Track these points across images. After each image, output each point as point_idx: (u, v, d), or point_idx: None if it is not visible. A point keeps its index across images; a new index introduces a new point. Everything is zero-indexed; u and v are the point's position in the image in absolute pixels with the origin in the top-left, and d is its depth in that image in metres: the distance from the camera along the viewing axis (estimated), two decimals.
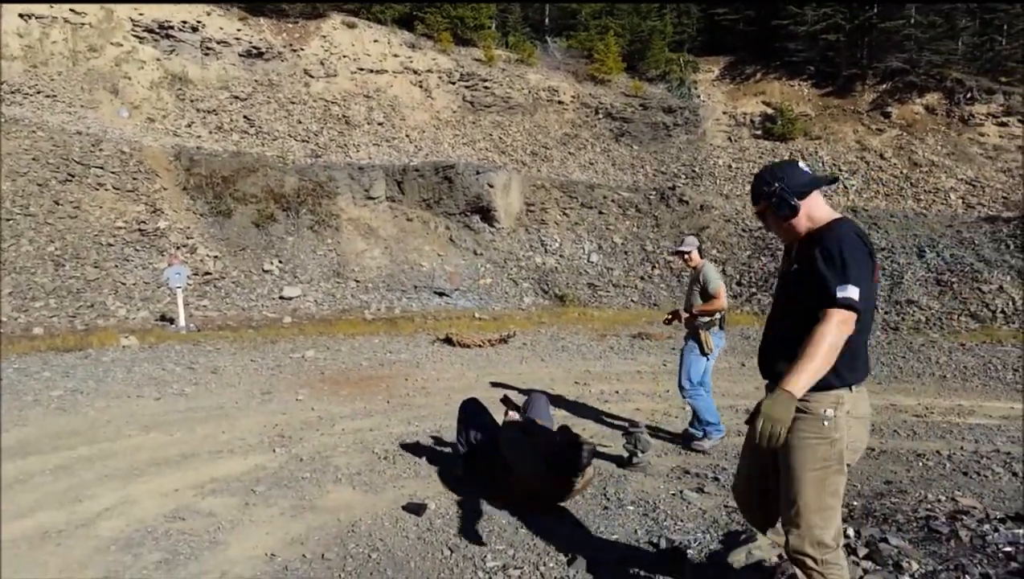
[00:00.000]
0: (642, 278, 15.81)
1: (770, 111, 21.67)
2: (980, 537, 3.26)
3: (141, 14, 18.37)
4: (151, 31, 18.42)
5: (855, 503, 3.97)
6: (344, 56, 20.75)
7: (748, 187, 17.21)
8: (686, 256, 5.34)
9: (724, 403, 6.45)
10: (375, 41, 21.46)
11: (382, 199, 16.82)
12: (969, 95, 20.08)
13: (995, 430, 5.64)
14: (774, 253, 14.86)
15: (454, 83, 21.55)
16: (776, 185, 2.29)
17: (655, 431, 5.50)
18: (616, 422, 5.90)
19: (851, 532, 3.38)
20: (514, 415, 4.24)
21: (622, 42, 23.78)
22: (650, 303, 14.99)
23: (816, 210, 2.28)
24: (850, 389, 2.20)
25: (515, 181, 17.34)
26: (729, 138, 21.41)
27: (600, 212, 17.36)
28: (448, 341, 10.39)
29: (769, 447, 2.07)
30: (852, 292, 2.04)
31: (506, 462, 3.95)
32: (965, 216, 15.61)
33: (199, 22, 19.09)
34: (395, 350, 9.82)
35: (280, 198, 15.66)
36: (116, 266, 12.88)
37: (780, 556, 3.19)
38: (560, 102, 21.97)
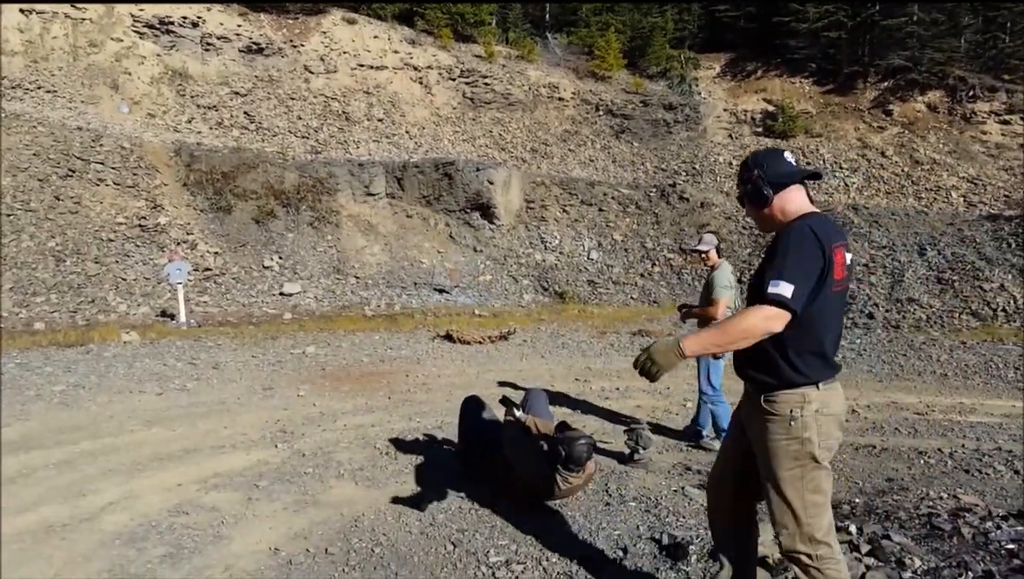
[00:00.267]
0: (642, 275, 15.81)
1: (771, 108, 21.64)
2: (982, 534, 3.27)
3: (141, 9, 18.34)
4: (151, 26, 18.39)
5: (857, 500, 3.98)
6: (344, 52, 20.71)
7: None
8: (703, 255, 5.16)
9: (727, 401, 6.46)
10: (375, 37, 21.42)
11: (382, 196, 16.81)
12: (971, 93, 20.05)
13: (996, 428, 5.65)
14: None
15: (454, 79, 21.52)
16: (756, 172, 2.27)
17: (656, 428, 5.50)
18: (617, 419, 5.91)
19: (853, 529, 3.38)
20: (516, 413, 4.24)
21: (623, 38, 23.74)
22: (650, 300, 14.99)
23: (790, 204, 2.25)
24: (817, 387, 2.18)
25: (515, 178, 17.32)
26: (730, 135, 21.38)
27: (600, 209, 17.35)
28: (448, 338, 10.40)
29: (651, 379, 2.15)
30: (784, 289, 2.02)
31: (507, 459, 3.96)
32: (966, 214, 15.60)
33: (199, 18, 19.05)
34: (395, 346, 9.83)
35: (280, 194, 15.65)
36: (117, 262, 12.88)
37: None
38: (560, 99, 21.94)
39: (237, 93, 18.75)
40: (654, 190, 17.74)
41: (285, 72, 19.73)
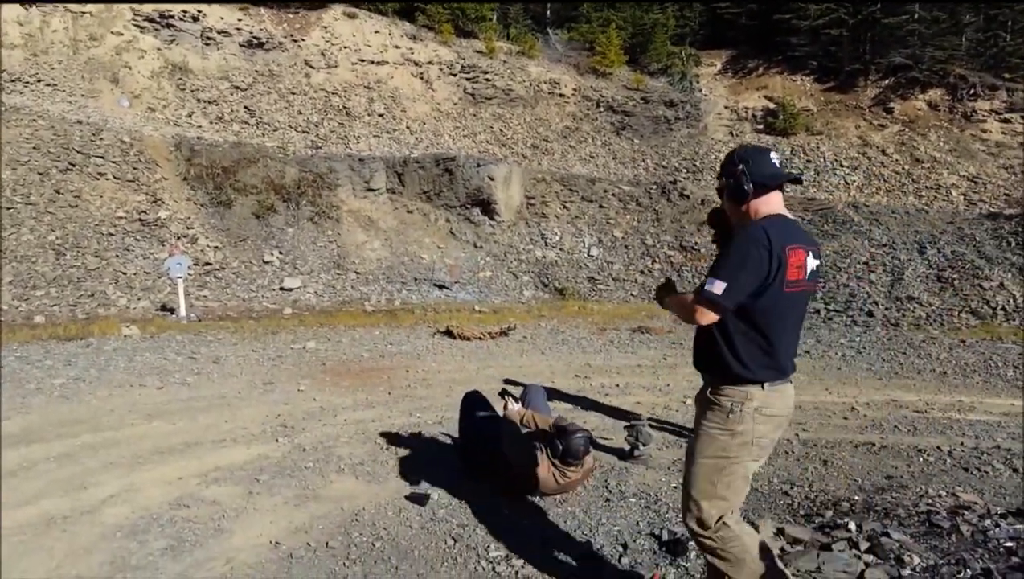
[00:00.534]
0: (642, 272, 15.81)
1: (772, 106, 21.64)
2: (981, 532, 3.28)
3: (142, 3, 18.28)
4: (152, 20, 18.35)
5: (856, 498, 4.00)
6: (345, 47, 20.68)
7: None
8: None
9: None
10: (376, 32, 21.39)
11: (382, 191, 16.80)
12: (972, 91, 20.06)
13: (995, 426, 5.66)
14: None
15: (455, 75, 21.49)
16: (740, 167, 2.28)
17: (656, 424, 5.51)
18: (617, 415, 5.92)
19: (852, 526, 3.40)
20: (514, 406, 4.25)
21: (624, 35, 23.72)
22: (650, 297, 15.00)
23: (764, 206, 2.27)
24: (761, 387, 2.23)
25: (516, 174, 17.31)
26: (731, 132, 21.38)
27: (600, 206, 17.35)
28: (448, 333, 10.40)
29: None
30: (716, 287, 2.12)
31: (506, 454, 3.97)
32: (966, 213, 15.62)
33: (200, 12, 19.01)
34: (395, 342, 9.83)
35: (280, 189, 15.64)
36: (117, 256, 12.87)
37: (782, 549, 3.22)
38: (561, 95, 21.92)
39: (237, 87, 18.72)
40: (655, 187, 17.73)
41: (285, 67, 19.71)
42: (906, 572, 2.92)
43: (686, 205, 17.01)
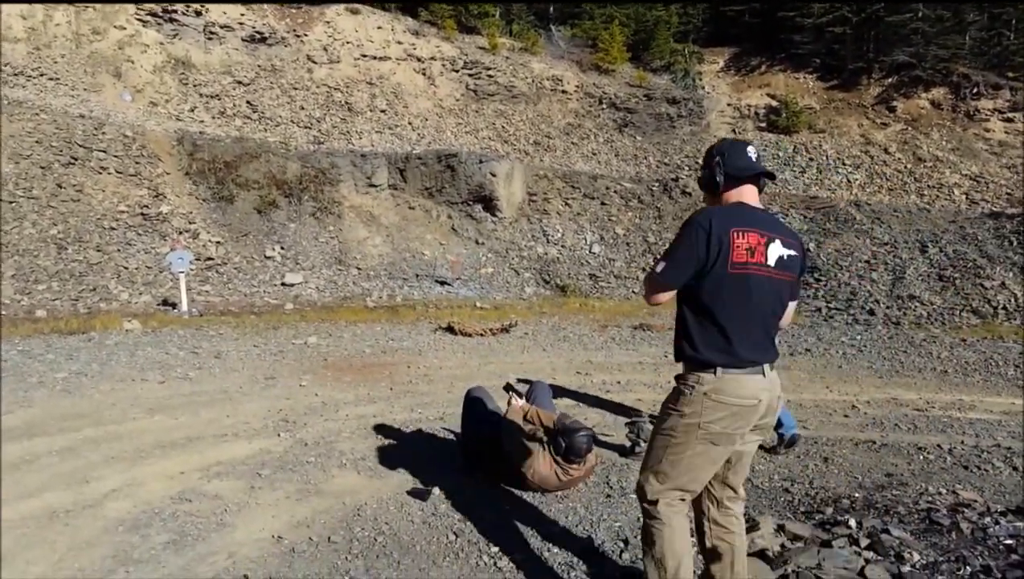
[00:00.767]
0: (644, 270, 15.80)
1: (775, 103, 21.59)
2: (981, 530, 3.29)
3: (145, 1, 18.24)
4: (154, 14, 18.31)
5: (856, 495, 4.01)
6: (347, 42, 20.64)
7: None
8: None
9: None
10: (379, 28, 21.34)
11: (384, 187, 16.78)
12: (975, 90, 20.00)
13: (996, 425, 5.67)
14: None
15: (457, 71, 21.44)
16: (716, 159, 2.36)
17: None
18: (618, 412, 5.93)
19: (853, 523, 3.41)
20: (518, 401, 4.26)
21: (627, 32, 23.65)
22: None
23: (734, 198, 2.36)
24: (713, 372, 2.26)
25: (518, 170, 17.29)
26: (733, 130, 21.33)
27: (603, 203, 17.33)
28: (450, 330, 10.41)
29: None
30: (659, 266, 2.32)
31: (509, 452, 3.98)
32: (969, 212, 15.59)
33: (202, 6, 18.97)
34: (397, 338, 9.84)
35: (282, 184, 15.63)
36: (118, 250, 12.88)
37: (783, 545, 3.23)
38: (564, 91, 21.88)
39: (240, 82, 18.70)
40: (657, 184, 17.71)
41: (288, 62, 19.68)
42: (906, 569, 2.93)
43: (688, 203, 16.99)
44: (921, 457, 4.82)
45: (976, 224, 14.08)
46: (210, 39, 19.00)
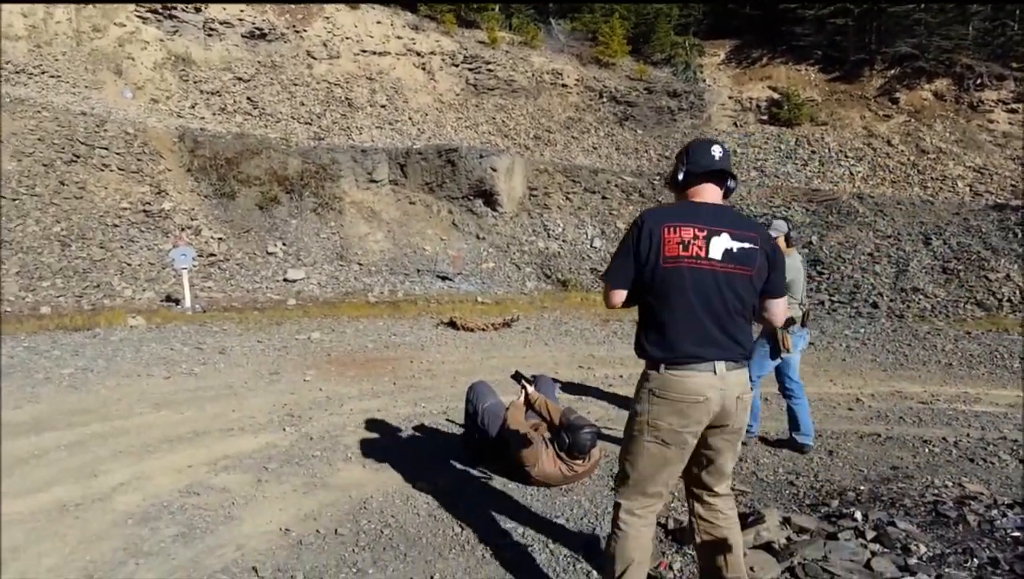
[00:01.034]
0: None
1: (776, 96, 21.49)
2: (988, 522, 3.30)
3: (145, 1, 18.20)
4: (154, 11, 18.27)
5: (862, 487, 4.01)
6: (347, 38, 20.58)
7: (753, 173, 17.06)
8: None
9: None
10: (378, 22, 21.28)
11: (385, 182, 16.77)
12: (979, 81, 19.90)
13: (1001, 418, 5.67)
14: None
15: (457, 65, 21.38)
16: (683, 157, 2.40)
17: None
18: (621, 405, 5.93)
19: (859, 515, 3.41)
20: (529, 387, 4.29)
21: (627, 25, 23.54)
22: None
23: (694, 196, 2.39)
24: (657, 368, 2.28)
25: (518, 165, 17.27)
26: (735, 123, 21.26)
27: (603, 197, 17.31)
28: (452, 325, 10.42)
29: None
30: (607, 268, 2.42)
31: (513, 447, 3.99)
32: (972, 204, 15.53)
33: (202, 2, 18.91)
34: (399, 333, 9.85)
35: (283, 181, 15.62)
36: (121, 247, 12.89)
37: (788, 538, 3.24)
38: (564, 85, 21.81)
39: (240, 79, 18.67)
40: (658, 178, 17.67)
41: (288, 58, 19.63)
42: (913, 561, 2.93)
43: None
44: (926, 450, 4.82)
45: (980, 216, 14.03)
46: (210, 35, 18.96)
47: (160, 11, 18.29)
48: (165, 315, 10.78)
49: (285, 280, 13.82)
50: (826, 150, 19.54)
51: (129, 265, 12.69)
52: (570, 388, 6.54)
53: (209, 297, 12.53)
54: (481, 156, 16.73)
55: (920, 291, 11.94)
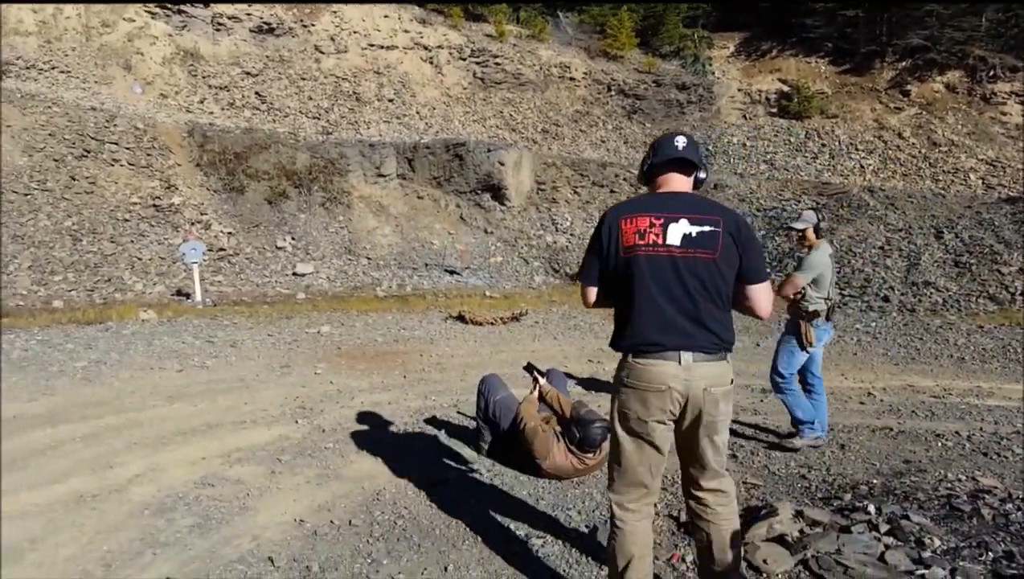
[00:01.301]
0: None
1: (786, 88, 21.35)
2: (1003, 516, 3.28)
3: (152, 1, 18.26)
4: (163, 6, 18.31)
5: (875, 481, 4.00)
6: (354, 32, 20.57)
7: (763, 166, 16.94)
8: (800, 234, 4.62)
9: (739, 382, 6.48)
10: (385, 16, 21.25)
11: (393, 176, 16.79)
12: (992, 73, 19.70)
13: (1014, 412, 5.63)
14: (789, 233, 14.74)
15: (464, 59, 21.34)
16: (650, 151, 2.43)
17: None
18: None
19: (872, 509, 3.40)
20: (541, 379, 4.30)
21: (635, 17, 23.42)
22: None
23: (660, 187, 2.41)
24: (626, 357, 2.31)
25: (526, 159, 17.24)
26: (744, 116, 21.15)
27: (612, 191, 17.25)
28: (460, 318, 10.44)
29: None
30: (579, 268, 2.37)
31: (524, 440, 4.00)
32: (985, 197, 15.40)
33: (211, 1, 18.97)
34: (408, 327, 9.88)
35: (292, 175, 15.66)
36: (132, 241, 12.97)
37: (801, 531, 3.23)
38: (572, 79, 21.74)
39: (248, 73, 18.70)
40: None
41: (296, 52, 19.65)
42: (927, 554, 2.92)
43: (699, 190, 16.86)
44: (939, 444, 4.80)
45: (993, 209, 13.90)
46: (218, 30, 18.99)
47: (169, 6, 18.33)
48: (176, 309, 10.85)
49: (294, 274, 13.88)
50: (836, 143, 19.41)
51: (140, 259, 12.77)
52: (580, 382, 6.55)
53: (219, 291, 12.59)
54: (489, 150, 16.71)
55: (932, 285, 11.86)
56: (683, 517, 3.43)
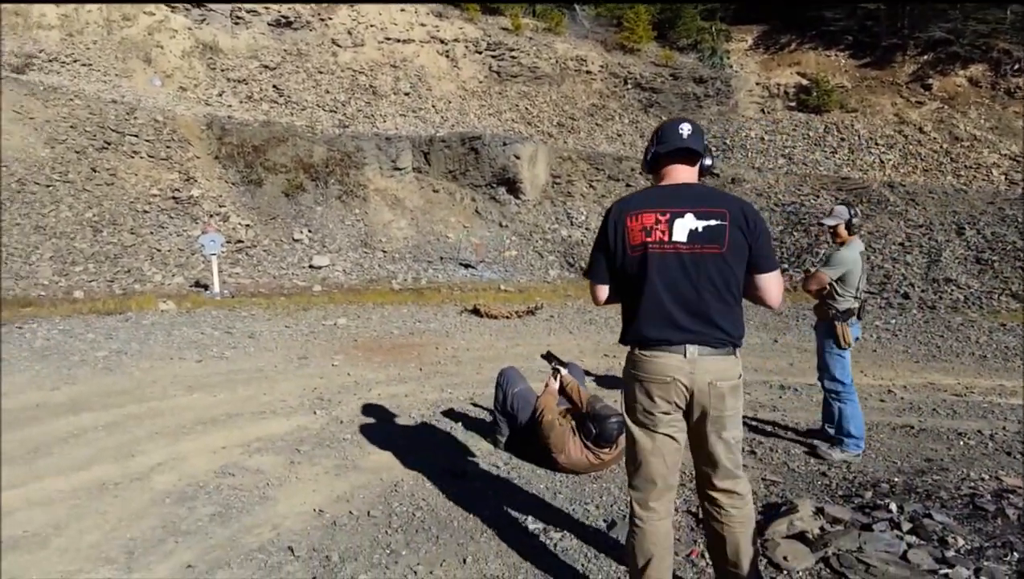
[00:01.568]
0: None
1: (805, 82, 21.07)
2: None
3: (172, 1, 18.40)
4: (183, 0, 18.45)
5: (896, 479, 3.95)
6: (371, 25, 20.59)
7: (781, 160, 16.75)
8: (832, 229, 4.47)
9: (757, 378, 6.44)
10: (402, 10, 21.25)
11: (408, 170, 16.82)
12: (1016, 67, 19.30)
13: None
14: (807, 228, 14.60)
15: (481, 52, 21.29)
16: (654, 139, 2.36)
17: None
18: None
19: (894, 507, 3.36)
20: (562, 370, 4.30)
21: (652, 10, 23.22)
22: None
23: (664, 178, 2.34)
24: (633, 350, 2.31)
25: (541, 152, 17.19)
26: (762, 110, 20.91)
27: (628, 185, 17.16)
28: (475, 312, 10.45)
29: None
30: (587, 265, 2.42)
31: (541, 435, 4.00)
32: (1008, 193, 15.12)
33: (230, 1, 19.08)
34: (424, 320, 9.91)
35: (309, 168, 15.75)
36: (152, 233, 13.13)
37: (822, 528, 3.21)
38: (588, 72, 21.61)
39: (266, 67, 18.80)
40: None
41: (313, 46, 19.71)
42: (950, 554, 2.88)
43: (715, 184, 16.75)
44: (961, 442, 4.73)
45: (1016, 205, 13.66)
46: (236, 24, 19.10)
47: (188, 2, 18.47)
48: (195, 300, 10.96)
49: (311, 266, 13.97)
50: (856, 137, 19.15)
51: (159, 251, 12.92)
52: (596, 377, 6.53)
53: (237, 283, 12.71)
54: (504, 144, 16.69)
55: (953, 282, 11.69)
56: (701, 514, 3.41)
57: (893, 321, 10.09)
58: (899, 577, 2.73)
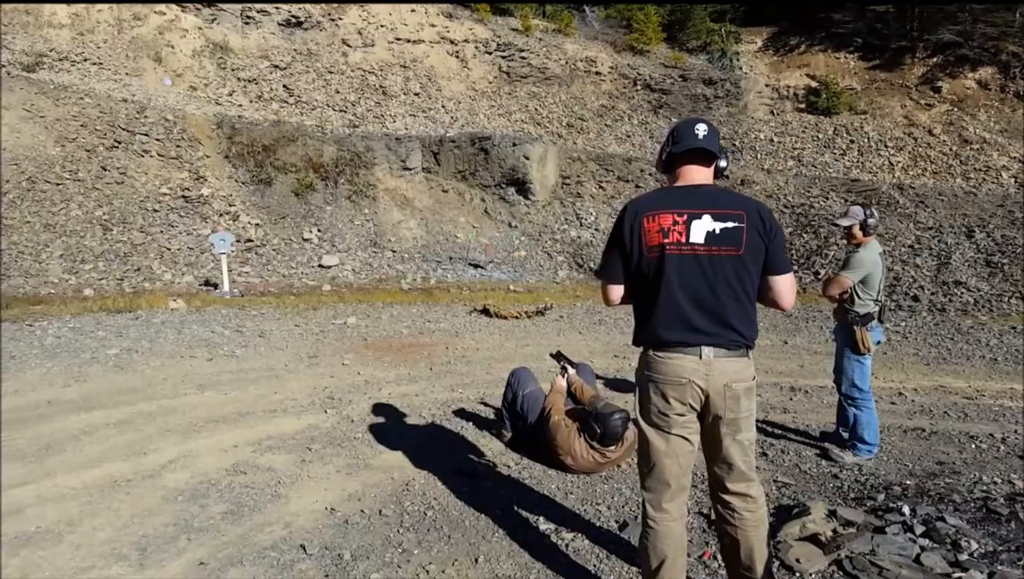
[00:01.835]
0: None
1: (814, 84, 21.01)
2: None
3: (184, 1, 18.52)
4: (193, 0, 18.56)
5: (908, 482, 3.93)
6: (381, 26, 20.66)
7: (791, 162, 16.70)
8: (847, 230, 4.38)
9: (768, 380, 6.41)
10: (412, 10, 21.31)
11: (418, 170, 16.85)
12: None
13: None
14: (816, 230, 14.54)
15: (490, 53, 21.32)
16: (669, 138, 2.34)
17: None
18: None
19: (906, 510, 3.35)
20: (570, 369, 4.29)
21: (662, 12, 23.20)
22: None
23: (679, 178, 2.32)
24: (646, 352, 2.31)
25: (551, 153, 17.19)
26: (771, 111, 20.85)
27: (637, 186, 17.14)
28: (485, 312, 10.46)
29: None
30: (600, 265, 2.42)
31: (548, 436, 4.00)
32: (1017, 195, 15.02)
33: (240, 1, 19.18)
34: (433, 319, 9.93)
35: (319, 168, 15.80)
36: (161, 232, 13.20)
37: (835, 531, 3.19)
38: (597, 73, 21.60)
39: (276, 66, 18.89)
40: None
41: (323, 46, 19.79)
42: (964, 557, 2.87)
43: (724, 185, 16.64)
44: (973, 446, 4.70)
45: None
46: (247, 23, 19.20)
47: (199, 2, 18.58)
48: (205, 299, 11.02)
49: (320, 266, 14.01)
50: (865, 139, 19.07)
51: (169, 249, 12.99)
52: (606, 377, 6.52)
53: (246, 282, 12.77)
54: (514, 144, 16.69)
55: (963, 285, 11.62)
56: (713, 515, 3.40)
57: (903, 323, 10.04)
58: None
